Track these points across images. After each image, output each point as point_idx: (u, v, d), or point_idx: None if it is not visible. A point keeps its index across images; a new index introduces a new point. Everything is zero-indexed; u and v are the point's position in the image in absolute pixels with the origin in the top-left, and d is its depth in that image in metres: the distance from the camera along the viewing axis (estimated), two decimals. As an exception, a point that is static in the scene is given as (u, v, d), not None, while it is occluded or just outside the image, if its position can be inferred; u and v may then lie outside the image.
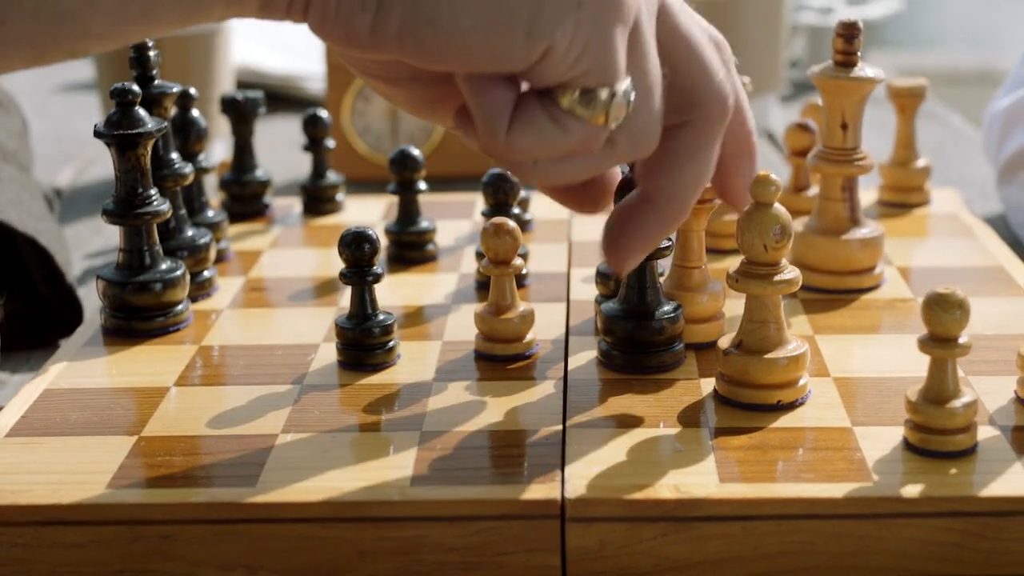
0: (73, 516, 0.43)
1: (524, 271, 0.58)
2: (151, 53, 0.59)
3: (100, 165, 0.99)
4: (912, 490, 0.42)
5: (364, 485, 0.43)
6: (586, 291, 0.60)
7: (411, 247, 0.64)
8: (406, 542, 0.43)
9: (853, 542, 0.42)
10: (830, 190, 0.58)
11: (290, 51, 1.21)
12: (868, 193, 0.73)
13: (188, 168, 0.60)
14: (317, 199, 0.73)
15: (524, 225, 0.67)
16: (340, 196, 0.73)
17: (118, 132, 0.54)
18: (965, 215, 0.70)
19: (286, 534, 0.43)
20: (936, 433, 0.44)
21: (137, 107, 0.55)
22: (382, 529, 0.42)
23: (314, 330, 0.57)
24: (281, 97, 1.14)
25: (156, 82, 0.59)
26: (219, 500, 0.43)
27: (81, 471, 0.45)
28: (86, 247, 0.79)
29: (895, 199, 0.71)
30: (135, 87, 0.54)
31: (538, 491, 0.42)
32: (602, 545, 0.42)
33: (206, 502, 0.43)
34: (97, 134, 0.55)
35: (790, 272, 0.47)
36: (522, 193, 0.66)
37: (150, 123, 0.55)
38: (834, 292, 0.58)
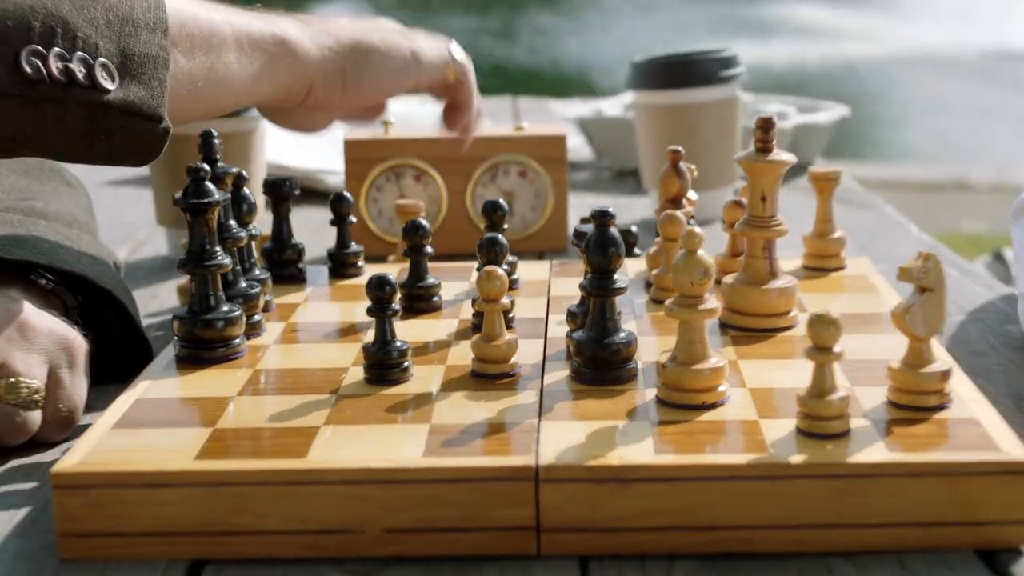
0: (168, 480, 0.57)
1: (511, 313, 0.73)
2: (216, 140, 0.74)
3: (150, 246, 1.14)
4: (797, 458, 0.56)
5: (387, 458, 0.58)
6: (560, 331, 0.74)
7: (420, 299, 0.79)
8: (418, 499, 0.57)
9: (753, 498, 0.56)
10: (753, 250, 0.73)
11: (313, 150, 1.37)
12: (794, 260, 0.88)
13: (243, 233, 0.75)
14: (342, 264, 0.88)
15: (512, 283, 0.82)
16: (361, 263, 0.89)
17: (193, 201, 0.69)
18: (873, 277, 0.85)
19: (328, 493, 0.57)
20: (817, 420, 0.58)
21: (207, 182, 0.70)
22: (400, 490, 0.57)
23: (343, 358, 0.71)
24: (305, 189, 1.30)
25: (219, 164, 0.74)
26: (278, 468, 0.57)
27: (172, 450, 0.59)
28: (145, 309, 0.94)
29: (815, 264, 0.86)
30: (206, 166, 0.70)
31: (518, 460, 0.57)
32: (567, 501, 0.56)
33: (268, 469, 0.57)
34: (175, 202, 0.70)
35: (711, 303, 0.62)
36: (510, 256, 0.81)
37: (217, 195, 0.70)
38: (757, 331, 0.73)
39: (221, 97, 0.77)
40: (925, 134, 6.89)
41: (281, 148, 1.34)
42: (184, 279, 0.89)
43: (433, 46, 0.94)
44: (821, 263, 0.86)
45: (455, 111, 0.96)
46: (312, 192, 1.31)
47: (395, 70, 0.89)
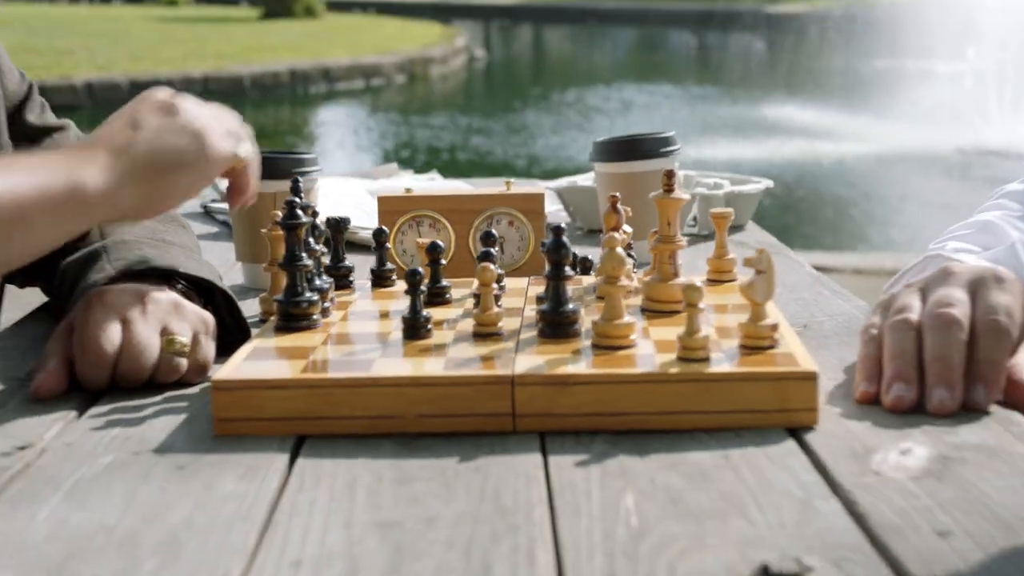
0: (281, 385, 0.92)
1: (500, 298, 1.08)
2: (300, 183, 1.10)
3: (228, 279, 1.49)
4: (675, 370, 0.91)
5: (416, 370, 0.92)
6: (532, 313, 1.09)
7: (438, 295, 1.14)
8: (438, 396, 0.91)
9: (647, 395, 0.90)
10: (662, 258, 1.08)
11: (349, 208, 1.72)
12: (701, 275, 1.23)
13: (318, 247, 1.11)
14: (380, 278, 1.23)
15: (501, 288, 1.17)
16: (393, 277, 1.24)
17: (290, 221, 1.05)
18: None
19: (382, 393, 0.91)
20: (688, 349, 0.93)
21: (298, 210, 1.05)
22: (427, 391, 0.91)
23: (384, 327, 1.06)
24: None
25: (300, 201, 1.10)
26: (351, 376, 0.92)
27: (284, 370, 0.94)
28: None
29: (714, 277, 1.21)
30: (298, 199, 1.05)
31: (501, 372, 0.91)
32: (531, 397, 0.91)
33: (345, 377, 0.92)
34: (276, 224, 1.05)
35: (625, 283, 0.97)
36: (499, 271, 1.16)
37: (303, 218, 1.05)
38: (664, 313, 1.08)
39: (16, 254, 0.91)
40: (898, 227, 7.26)
41: (321, 204, 1.70)
42: (264, 294, 1.23)
43: (223, 147, 1.01)
44: (719, 276, 1.21)
45: (237, 194, 1.09)
46: (349, 243, 1.67)
47: (186, 186, 0.99)
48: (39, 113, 1.30)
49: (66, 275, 1.15)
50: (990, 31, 11.66)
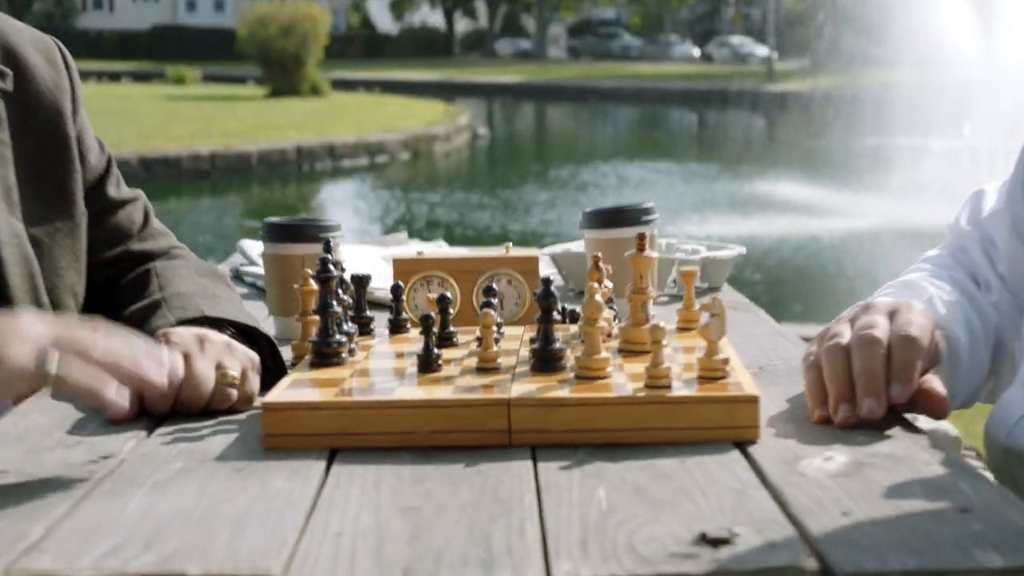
0: (318, 407, 1.12)
1: (499, 340, 1.27)
2: (332, 243, 1.30)
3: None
4: (641, 394, 1.11)
5: (428, 395, 1.12)
6: (526, 354, 1.29)
7: (446, 339, 1.34)
8: (444, 416, 1.11)
9: (617, 415, 1.10)
10: (635, 307, 1.29)
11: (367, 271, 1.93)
12: (672, 324, 1.43)
13: (345, 298, 1.31)
14: (397, 326, 1.43)
15: (499, 335, 1.37)
16: (408, 326, 1.44)
17: (323, 274, 1.25)
18: (717, 332, 1.40)
19: (402, 413, 1.11)
20: (653, 378, 1.13)
21: (330, 266, 1.26)
22: (439, 411, 1.11)
23: (401, 365, 1.26)
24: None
25: (331, 258, 1.30)
26: (376, 399, 1.12)
27: (320, 395, 1.14)
28: (268, 360, 1.48)
29: (683, 325, 1.41)
30: (330, 256, 1.26)
31: (499, 396, 1.11)
32: (524, 417, 1.10)
33: (371, 400, 1.12)
34: (309, 279, 1.26)
35: (603, 325, 1.17)
36: (498, 319, 1.36)
37: (335, 273, 1.26)
38: (637, 352, 1.28)
39: None
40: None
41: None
42: (296, 340, 1.43)
43: (13, 374, 1.03)
44: (686, 325, 1.41)
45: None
46: (368, 300, 1.87)
47: None
48: (116, 186, 1.51)
49: (131, 321, 1.36)
50: (985, 108, 11.94)
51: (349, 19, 72.47)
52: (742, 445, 1.09)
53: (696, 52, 56.80)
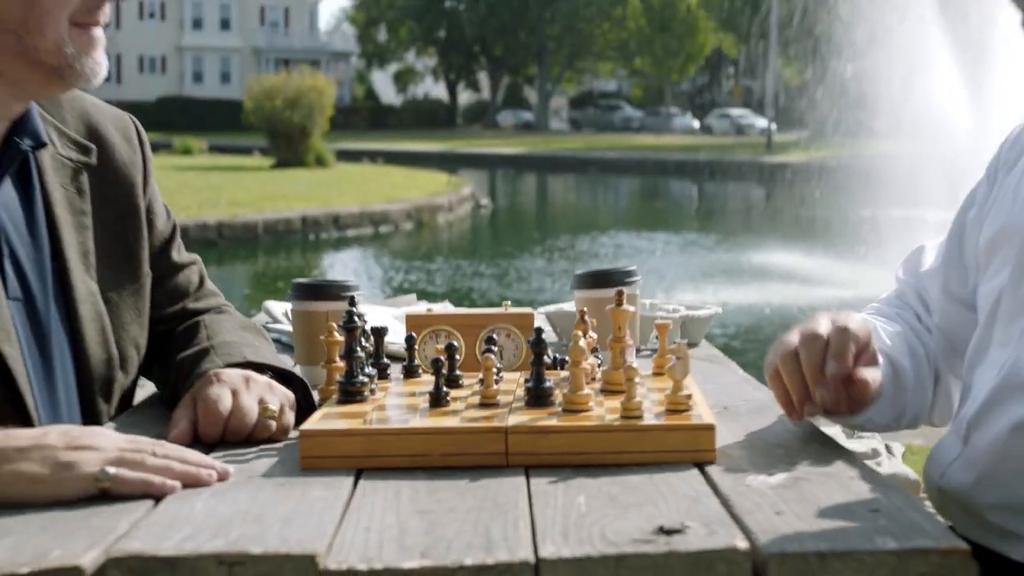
0: (346, 434, 1.33)
1: (498, 382, 1.49)
2: (356, 298, 1.53)
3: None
4: (616, 423, 1.32)
5: (441, 424, 1.34)
6: (521, 392, 1.51)
7: (453, 381, 1.56)
8: (452, 441, 1.33)
9: (596, 440, 1.32)
10: (615, 353, 1.51)
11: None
12: (649, 371, 1.64)
13: (367, 345, 1.53)
14: (410, 372, 1.65)
15: (498, 378, 1.58)
16: (420, 372, 1.66)
17: (348, 324, 1.47)
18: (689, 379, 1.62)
19: (417, 439, 1.33)
20: (628, 409, 1.34)
21: (355, 318, 1.48)
22: (448, 437, 1.33)
23: (415, 402, 1.48)
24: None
25: (356, 311, 1.52)
26: (395, 427, 1.34)
27: (348, 425, 1.36)
28: (297, 401, 1.70)
29: (657, 371, 1.63)
30: (355, 309, 1.48)
31: (497, 424, 1.33)
32: (519, 442, 1.32)
33: (390, 428, 1.34)
34: (340, 327, 1.48)
35: (586, 366, 1.40)
36: (498, 364, 1.58)
37: (359, 323, 1.48)
38: (615, 392, 1.49)
39: None
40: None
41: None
42: (322, 385, 1.65)
43: (78, 476, 1.20)
44: (660, 370, 1.63)
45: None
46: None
47: (33, 497, 1.18)
48: (178, 251, 1.74)
49: (183, 365, 1.58)
50: (977, 179, 12.19)
51: (353, 91, 73.28)
52: (701, 465, 1.31)
53: (696, 124, 57.45)
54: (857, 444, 2.79)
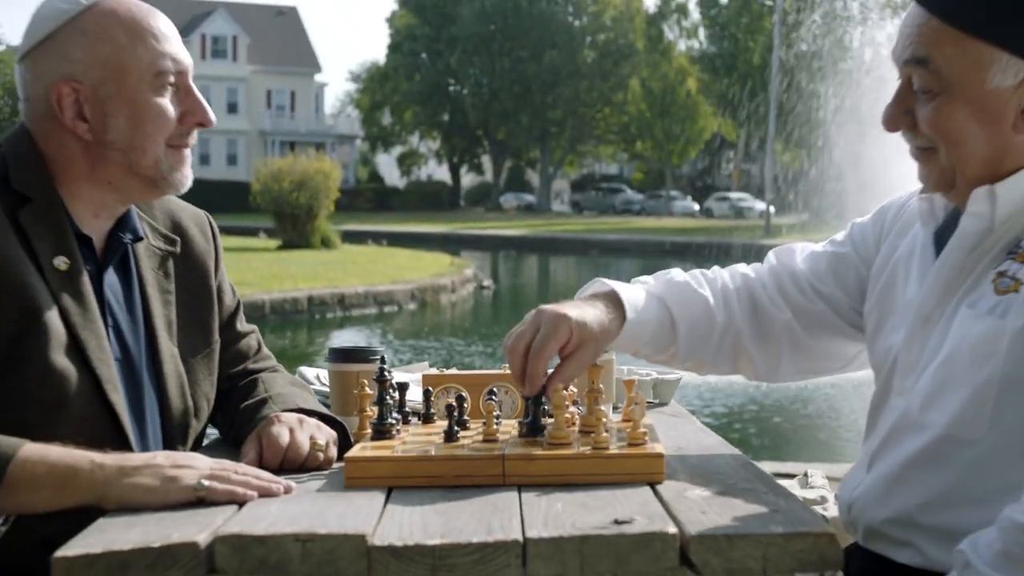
0: (380, 459, 1.74)
1: (497, 424, 1.90)
2: (383, 356, 1.94)
3: (323, 428, 2.32)
4: (587, 452, 1.73)
5: (454, 454, 1.75)
6: (515, 431, 1.91)
7: (462, 424, 1.96)
8: (462, 467, 1.73)
9: (569, 464, 1.72)
10: (590, 402, 1.91)
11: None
12: (619, 417, 2.04)
13: (395, 395, 1.94)
14: (427, 419, 2.05)
15: (498, 424, 1.99)
16: (436, 419, 2.06)
17: (380, 377, 1.88)
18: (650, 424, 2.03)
19: (436, 465, 1.73)
20: (597, 444, 1.75)
21: (385, 372, 1.89)
22: (458, 462, 1.73)
23: (432, 439, 1.89)
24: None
25: (386, 367, 1.93)
26: (417, 455, 1.74)
27: (379, 454, 1.76)
28: (335, 443, 2.11)
29: (625, 418, 2.03)
30: (385, 366, 1.89)
31: (497, 454, 1.74)
32: (513, 467, 1.72)
33: (413, 456, 1.74)
34: (373, 380, 1.89)
35: (567, 414, 1.80)
36: (497, 410, 1.99)
37: (388, 376, 1.89)
38: (590, 432, 1.90)
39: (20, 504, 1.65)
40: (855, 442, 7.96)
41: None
42: (355, 431, 2.05)
43: (181, 487, 1.60)
44: (627, 418, 2.03)
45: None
46: (398, 410, 2.50)
47: (146, 503, 1.58)
48: (241, 322, 2.16)
49: (246, 411, 1.99)
50: None
51: (358, 173, 74.12)
52: (652, 484, 1.71)
53: (696, 207, 58.13)
54: (808, 492, 3.17)
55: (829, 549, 1.43)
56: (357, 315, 17.36)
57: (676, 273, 2.16)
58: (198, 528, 1.47)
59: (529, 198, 68.95)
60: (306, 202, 25.90)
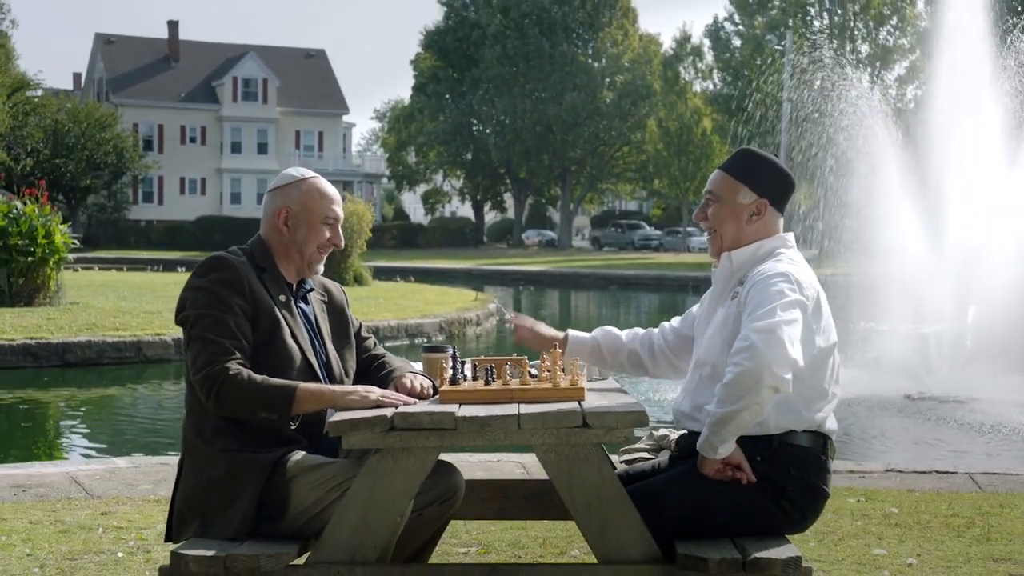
0: (456, 391, 3.76)
1: (509, 376, 3.91)
2: (452, 347, 3.95)
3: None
4: (553, 387, 3.74)
5: (488, 388, 3.77)
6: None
7: (491, 380, 3.97)
8: (490, 393, 3.74)
9: (549, 393, 3.73)
10: (553, 360, 3.91)
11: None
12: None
13: (456, 367, 3.95)
14: (474, 377, 4.07)
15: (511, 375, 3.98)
16: (478, 378, 4.08)
17: (453, 356, 3.90)
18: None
19: (479, 393, 3.74)
20: (557, 385, 3.75)
21: (456, 352, 3.90)
22: (490, 393, 3.74)
23: (477, 384, 3.90)
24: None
25: (455, 351, 3.93)
26: (468, 389, 3.77)
27: (456, 389, 3.78)
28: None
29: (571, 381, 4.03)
30: (456, 353, 3.91)
31: (507, 388, 3.75)
32: (517, 394, 3.73)
33: (467, 389, 3.76)
34: (451, 356, 3.91)
35: (548, 373, 3.82)
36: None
37: (457, 355, 3.91)
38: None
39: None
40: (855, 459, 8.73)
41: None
42: (438, 383, 4.03)
43: (368, 399, 3.59)
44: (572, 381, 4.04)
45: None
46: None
47: (352, 407, 3.54)
48: (365, 332, 4.20)
49: (383, 373, 4.02)
50: (985, 295, 13.10)
51: (384, 210, 75.96)
52: (579, 400, 3.69)
53: (712, 242, 59.11)
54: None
55: (643, 417, 3.43)
56: (389, 346, 18.66)
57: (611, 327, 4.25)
58: (385, 414, 3.49)
59: (550, 234, 70.53)
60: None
